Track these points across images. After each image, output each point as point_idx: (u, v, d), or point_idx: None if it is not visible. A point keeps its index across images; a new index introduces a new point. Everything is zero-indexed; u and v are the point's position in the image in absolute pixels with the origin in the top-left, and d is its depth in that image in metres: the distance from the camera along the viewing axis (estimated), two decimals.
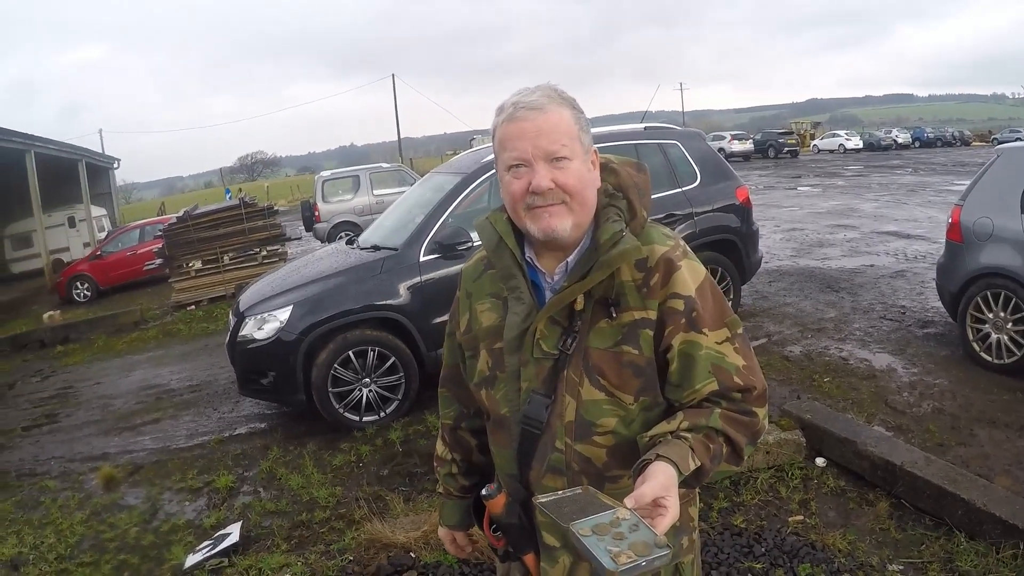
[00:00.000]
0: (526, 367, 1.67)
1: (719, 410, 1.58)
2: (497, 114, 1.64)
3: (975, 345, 6.31)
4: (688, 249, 1.69)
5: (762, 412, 1.64)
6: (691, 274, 1.62)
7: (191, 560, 4.50)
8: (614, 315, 1.61)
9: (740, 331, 1.66)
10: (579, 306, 1.62)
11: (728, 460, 1.59)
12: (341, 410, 6.22)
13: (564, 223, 1.59)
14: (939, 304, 7.30)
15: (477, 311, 1.80)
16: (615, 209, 1.65)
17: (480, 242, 1.77)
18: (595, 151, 1.67)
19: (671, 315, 1.59)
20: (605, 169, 1.71)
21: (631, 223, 1.65)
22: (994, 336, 6.14)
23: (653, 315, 1.59)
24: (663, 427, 1.55)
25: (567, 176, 1.57)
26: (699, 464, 1.48)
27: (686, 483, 1.47)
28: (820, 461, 4.74)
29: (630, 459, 1.53)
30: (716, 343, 1.61)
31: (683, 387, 1.60)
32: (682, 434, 1.51)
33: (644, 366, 1.60)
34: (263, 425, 6.92)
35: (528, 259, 1.71)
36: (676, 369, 1.60)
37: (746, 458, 1.64)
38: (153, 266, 17.31)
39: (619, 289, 1.61)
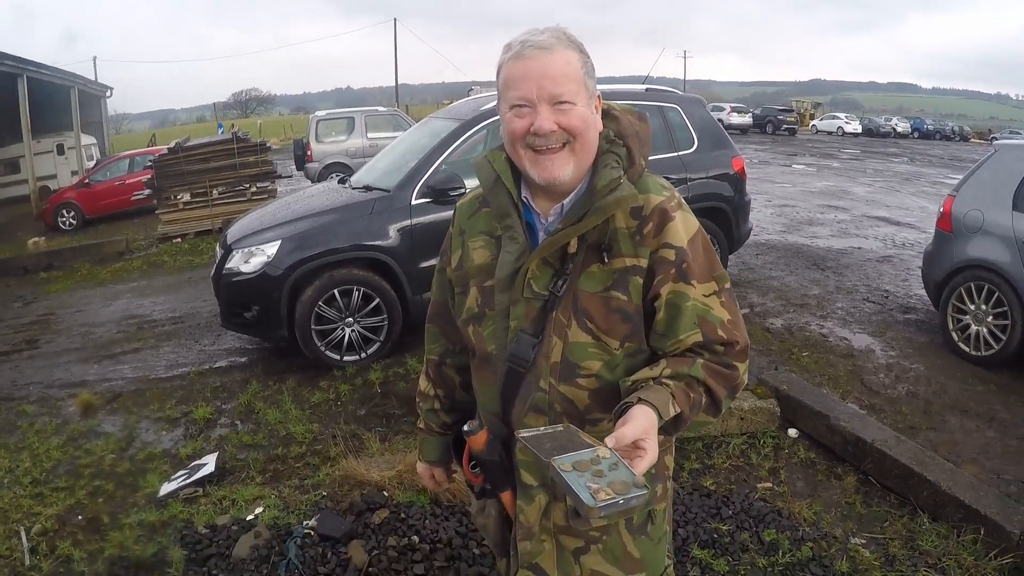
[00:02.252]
0: (516, 306, 1.67)
1: (701, 360, 1.59)
2: (504, 52, 1.62)
3: (954, 335, 6.38)
4: (683, 201, 1.69)
5: (743, 367, 1.66)
6: (684, 226, 1.63)
7: (166, 488, 4.52)
8: (606, 260, 1.61)
9: (727, 286, 1.67)
10: (572, 249, 1.63)
11: (706, 411, 1.61)
12: (323, 348, 6.23)
13: (566, 169, 1.60)
14: (922, 292, 7.36)
15: (469, 248, 1.80)
16: (614, 156, 1.65)
17: (474, 186, 1.77)
18: (599, 96, 1.66)
19: (662, 264, 1.60)
20: (607, 116, 1.71)
21: (629, 171, 1.65)
22: (974, 328, 6.20)
23: (644, 263, 1.60)
24: (646, 373, 1.56)
25: (570, 118, 1.56)
26: (679, 411, 1.50)
27: (664, 430, 1.49)
28: (792, 432, 4.80)
29: (611, 403, 1.54)
30: (703, 295, 1.61)
31: (668, 336, 1.62)
32: (664, 381, 1.53)
33: (632, 313, 1.61)
34: (243, 359, 6.93)
35: (524, 199, 1.71)
36: (662, 318, 1.61)
37: (724, 410, 1.66)
38: (141, 197, 17.15)
39: (612, 235, 1.62)
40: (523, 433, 1.42)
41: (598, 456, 1.30)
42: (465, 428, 1.69)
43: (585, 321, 1.62)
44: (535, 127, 1.56)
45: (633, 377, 1.57)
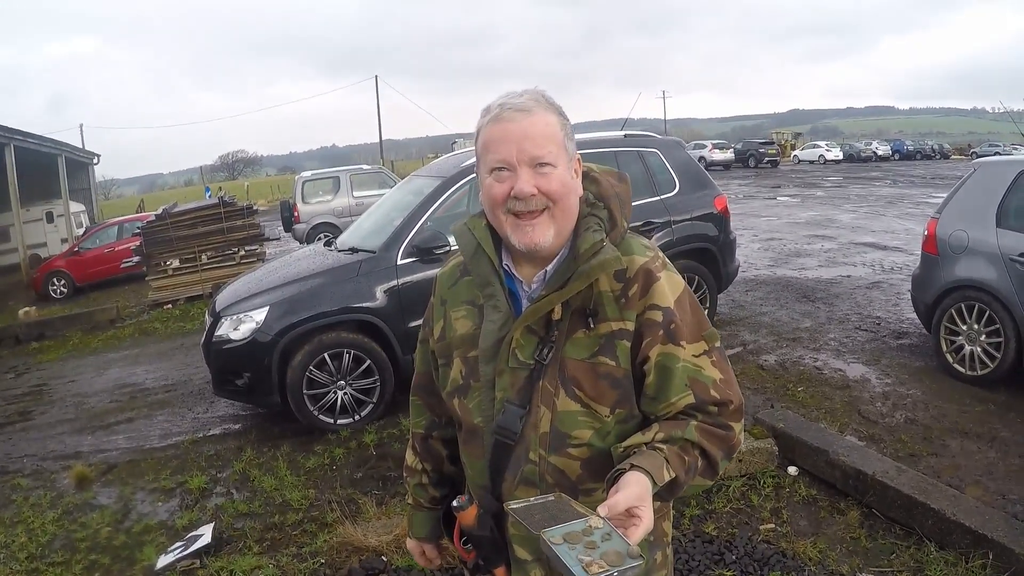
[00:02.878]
0: (501, 376, 1.64)
1: (695, 423, 1.57)
2: (482, 115, 1.61)
3: (949, 356, 6.37)
4: (667, 260, 1.68)
5: (738, 426, 1.63)
6: (670, 285, 1.61)
7: (163, 561, 4.47)
8: (591, 325, 1.59)
9: (717, 344, 1.65)
10: (557, 316, 1.60)
11: (703, 474, 1.58)
12: (316, 412, 6.20)
13: (547, 235, 1.57)
14: (914, 315, 7.35)
15: (452, 318, 1.77)
16: (595, 219, 1.63)
17: (457, 247, 1.76)
18: (578, 159, 1.65)
19: (649, 327, 1.58)
20: (586, 178, 1.69)
21: (611, 233, 1.63)
22: (967, 348, 6.20)
23: (631, 326, 1.58)
24: (638, 438, 1.54)
25: (550, 182, 1.55)
26: (673, 476, 1.47)
27: (660, 495, 1.46)
28: (792, 470, 4.76)
29: (604, 472, 1.51)
30: (693, 356, 1.60)
31: (659, 400, 1.59)
32: (657, 445, 1.50)
33: (621, 378, 1.59)
34: (237, 426, 6.89)
35: (505, 267, 1.69)
36: (652, 382, 1.59)
37: (721, 472, 1.63)
38: (130, 264, 17.17)
39: (597, 299, 1.60)
40: (513, 504, 1.39)
41: (590, 526, 1.27)
42: (454, 504, 1.66)
43: (573, 389, 1.59)
44: (515, 190, 1.54)
45: (625, 443, 1.54)
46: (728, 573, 3.76)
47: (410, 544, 2.11)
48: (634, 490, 1.36)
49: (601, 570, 1.16)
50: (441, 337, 1.80)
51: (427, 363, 1.92)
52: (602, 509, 1.30)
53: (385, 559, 4.05)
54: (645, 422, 1.63)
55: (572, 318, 1.61)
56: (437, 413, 1.96)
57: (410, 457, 2.04)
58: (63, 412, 8.18)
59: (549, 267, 1.64)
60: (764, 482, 4.64)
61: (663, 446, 1.50)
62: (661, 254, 1.68)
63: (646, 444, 1.51)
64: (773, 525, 4.21)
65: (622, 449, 1.53)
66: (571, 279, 1.56)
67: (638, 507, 1.33)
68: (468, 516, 1.66)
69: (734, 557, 3.89)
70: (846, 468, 4.44)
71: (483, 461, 1.71)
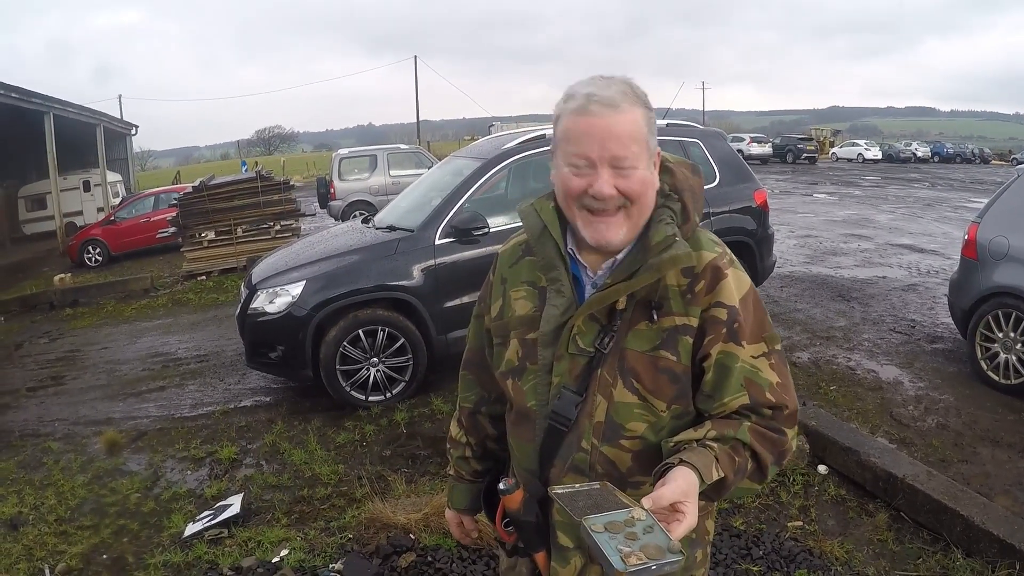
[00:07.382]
0: (560, 362, 1.63)
1: (748, 423, 1.54)
2: (565, 100, 1.56)
3: (983, 363, 6.28)
4: (734, 258, 1.65)
5: (791, 432, 1.61)
6: (736, 284, 1.59)
7: (191, 529, 4.53)
8: (655, 318, 1.57)
9: (778, 347, 1.63)
10: (621, 306, 1.59)
11: (751, 477, 1.56)
12: (348, 388, 6.23)
13: (619, 233, 1.56)
14: (949, 320, 7.26)
15: (511, 298, 1.75)
16: (669, 211, 1.60)
17: (505, 227, 1.74)
18: (658, 152, 1.61)
19: (712, 324, 1.56)
20: (662, 169, 1.65)
21: (683, 227, 1.60)
22: (1003, 356, 6.11)
23: (695, 322, 1.56)
24: (690, 434, 1.52)
25: (631, 183, 1.52)
26: (722, 475, 1.45)
27: (706, 495, 1.45)
28: (822, 468, 4.74)
29: (654, 465, 1.49)
30: (752, 357, 1.57)
31: (714, 398, 1.58)
32: (708, 443, 1.48)
33: (680, 373, 1.57)
34: (268, 399, 6.95)
35: (570, 251, 1.67)
36: (710, 379, 1.57)
37: (770, 478, 1.62)
38: (166, 234, 17.34)
39: (663, 293, 1.57)
40: (557, 489, 1.39)
41: (633, 517, 1.26)
42: (501, 487, 1.64)
43: (632, 381, 1.58)
44: (594, 191, 1.51)
45: (676, 438, 1.52)
46: (754, 568, 3.76)
47: (448, 515, 2.11)
48: (680, 485, 1.35)
49: (639, 562, 1.16)
50: (498, 316, 1.79)
51: (480, 338, 1.91)
52: (646, 501, 1.30)
53: (413, 536, 4.07)
54: (699, 419, 1.61)
55: (636, 309, 1.59)
56: (488, 389, 1.94)
57: (455, 430, 2.04)
58: (95, 378, 8.31)
59: (619, 255, 1.62)
60: (794, 479, 4.62)
61: (714, 444, 1.48)
62: (728, 251, 1.65)
63: (697, 441, 1.49)
64: (801, 523, 4.20)
65: (672, 444, 1.52)
66: (640, 271, 1.54)
67: (683, 503, 1.32)
68: (514, 500, 1.64)
69: (761, 552, 3.89)
70: (876, 470, 4.41)
71: (533, 445, 1.70)
